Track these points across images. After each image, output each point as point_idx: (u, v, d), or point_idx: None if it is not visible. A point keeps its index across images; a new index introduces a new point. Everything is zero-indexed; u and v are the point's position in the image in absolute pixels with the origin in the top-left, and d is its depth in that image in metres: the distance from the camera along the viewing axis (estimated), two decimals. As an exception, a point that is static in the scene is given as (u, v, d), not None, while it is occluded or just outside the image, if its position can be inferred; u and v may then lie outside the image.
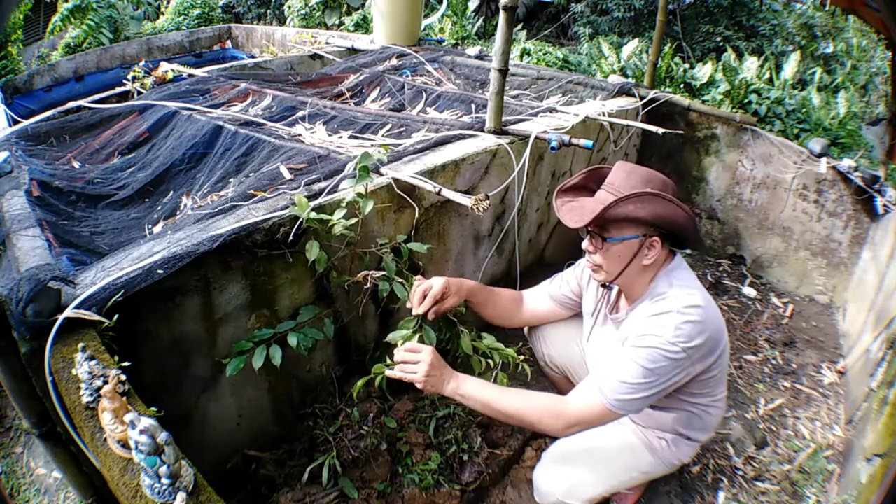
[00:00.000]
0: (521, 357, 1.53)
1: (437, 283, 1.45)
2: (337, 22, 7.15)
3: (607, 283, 1.44)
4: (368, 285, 1.57)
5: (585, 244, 1.37)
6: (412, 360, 1.31)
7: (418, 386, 1.30)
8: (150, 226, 1.80)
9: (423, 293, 1.45)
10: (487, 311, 1.66)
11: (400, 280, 1.57)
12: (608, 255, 1.33)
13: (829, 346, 2.59)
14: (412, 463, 1.64)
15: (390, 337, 1.47)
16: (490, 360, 1.54)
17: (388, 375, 1.35)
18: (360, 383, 1.41)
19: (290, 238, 1.40)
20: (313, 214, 1.39)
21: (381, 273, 1.56)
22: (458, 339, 1.56)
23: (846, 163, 2.69)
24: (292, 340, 1.43)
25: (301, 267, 1.50)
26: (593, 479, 1.47)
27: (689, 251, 3.22)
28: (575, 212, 1.35)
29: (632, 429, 1.52)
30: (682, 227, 1.30)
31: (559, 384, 1.88)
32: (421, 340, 1.45)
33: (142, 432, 0.77)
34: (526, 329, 1.87)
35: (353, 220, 1.45)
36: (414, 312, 1.46)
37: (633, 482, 1.53)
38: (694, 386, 1.37)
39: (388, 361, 1.36)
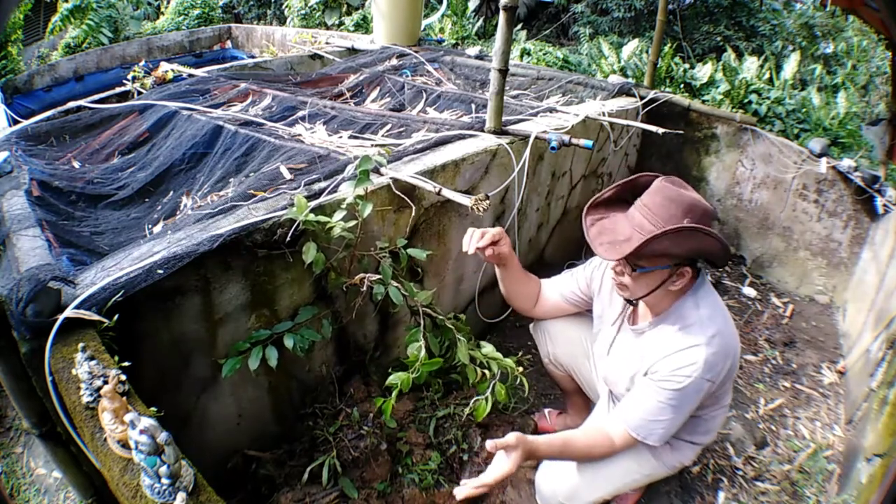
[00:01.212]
0: (521, 368, 1.52)
1: (495, 228, 1.49)
2: (337, 22, 7.15)
3: (631, 301, 1.45)
4: (365, 288, 1.57)
5: (614, 264, 1.35)
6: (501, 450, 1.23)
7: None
8: (150, 226, 1.80)
9: (483, 233, 1.46)
10: (510, 286, 1.66)
11: (395, 284, 1.56)
12: (637, 281, 1.32)
13: (829, 346, 2.59)
14: (412, 463, 1.64)
15: (410, 352, 1.44)
16: (487, 371, 1.53)
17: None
18: (388, 406, 1.38)
19: (288, 239, 1.40)
20: (311, 216, 1.39)
21: (377, 277, 1.56)
22: (456, 346, 1.55)
23: (846, 163, 2.69)
24: (288, 342, 1.43)
25: (301, 267, 1.50)
26: (595, 482, 1.46)
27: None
28: (606, 235, 1.31)
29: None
30: (713, 255, 1.31)
31: (563, 382, 1.88)
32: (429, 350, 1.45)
33: (142, 432, 0.77)
34: (531, 326, 1.87)
35: (353, 223, 1.45)
36: (469, 250, 1.44)
37: (635, 484, 1.53)
38: (706, 399, 1.38)
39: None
